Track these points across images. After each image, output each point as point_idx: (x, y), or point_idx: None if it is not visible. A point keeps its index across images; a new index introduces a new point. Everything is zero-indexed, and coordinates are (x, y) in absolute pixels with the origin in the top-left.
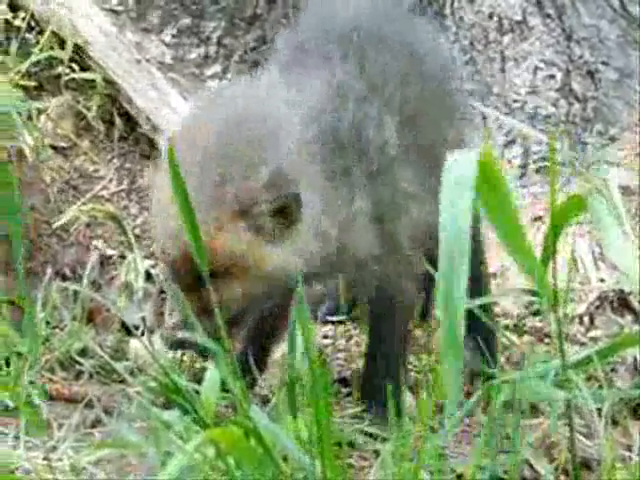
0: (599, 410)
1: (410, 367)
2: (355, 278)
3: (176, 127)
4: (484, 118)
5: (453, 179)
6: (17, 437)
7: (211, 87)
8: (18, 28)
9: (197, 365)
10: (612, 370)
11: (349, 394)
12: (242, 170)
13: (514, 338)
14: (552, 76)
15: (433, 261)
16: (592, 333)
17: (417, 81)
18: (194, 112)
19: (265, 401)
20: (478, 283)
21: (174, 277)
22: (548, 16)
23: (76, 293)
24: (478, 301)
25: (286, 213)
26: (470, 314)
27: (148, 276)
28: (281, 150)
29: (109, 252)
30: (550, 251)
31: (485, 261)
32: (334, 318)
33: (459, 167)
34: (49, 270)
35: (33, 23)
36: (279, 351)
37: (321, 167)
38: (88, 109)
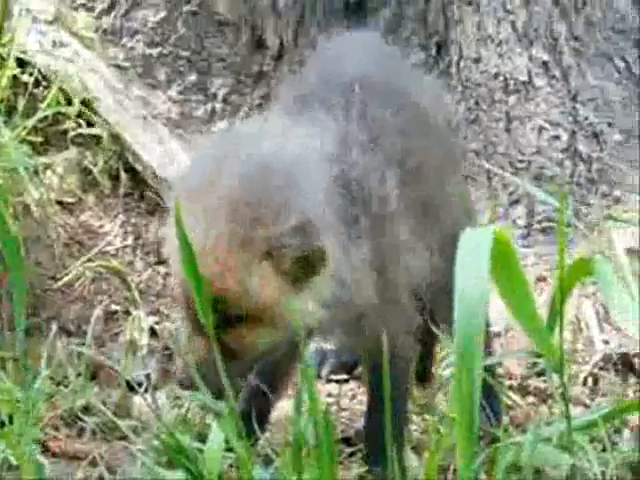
0: (603, 473)
1: (413, 428)
2: (354, 330)
3: (187, 167)
4: (489, 178)
5: (468, 254)
6: None
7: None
8: (25, 84)
9: (201, 423)
10: (616, 432)
11: (353, 454)
12: (271, 214)
13: (518, 399)
14: (557, 137)
15: (430, 316)
16: (596, 395)
17: (420, 135)
18: (208, 152)
19: (268, 461)
20: None
21: (191, 320)
22: (553, 77)
23: (80, 350)
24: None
25: (310, 262)
26: None
27: (152, 332)
28: (306, 196)
29: (114, 308)
30: (556, 318)
31: (488, 320)
32: (337, 377)
33: (474, 243)
34: (54, 326)
35: (40, 78)
36: (280, 409)
37: (339, 214)
38: (94, 164)
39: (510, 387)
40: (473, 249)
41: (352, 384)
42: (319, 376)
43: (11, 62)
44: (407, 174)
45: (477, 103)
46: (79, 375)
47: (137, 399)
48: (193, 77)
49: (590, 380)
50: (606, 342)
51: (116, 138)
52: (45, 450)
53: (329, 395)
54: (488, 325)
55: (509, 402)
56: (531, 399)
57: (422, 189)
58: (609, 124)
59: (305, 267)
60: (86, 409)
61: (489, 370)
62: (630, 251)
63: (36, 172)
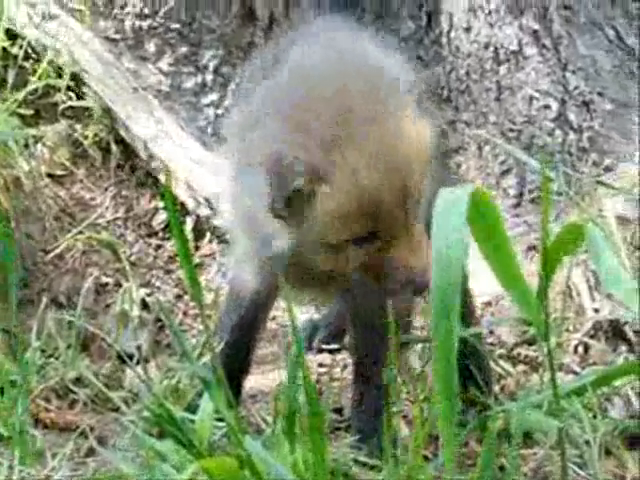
0: (593, 440)
1: (405, 397)
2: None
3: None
4: (479, 148)
5: (445, 213)
6: (11, 467)
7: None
8: (15, 56)
9: (192, 394)
10: (606, 400)
11: (343, 422)
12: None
13: (508, 367)
14: (548, 106)
15: None
16: (586, 363)
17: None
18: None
19: (258, 430)
20: (464, 311)
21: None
22: (544, 46)
23: (71, 321)
24: (472, 330)
25: None
26: (463, 343)
27: (144, 304)
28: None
29: (105, 280)
30: (544, 284)
31: (469, 288)
32: (329, 346)
33: (451, 202)
34: (44, 298)
35: (30, 51)
36: (270, 380)
37: None
38: (85, 137)
39: (500, 356)
40: (449, 207)
41: (344, 354)
42: (311, 347)
43: (0, 35)
44: None
45: (467, 73)
46: (70, 347)
47: (128, 371)
48: (184, 49)
49: (581, 348)
50: (597, 310)
51: (106, 110)
52: (36, 421)
53: (321, 365)
54: (470, 295)
55: (500, 371)
56: (522, 367)
57: None
58: (599, 93)
59: None
60: (77, 380)
61: (479, 338)
62: (621, 219)
63: (26, 145)
